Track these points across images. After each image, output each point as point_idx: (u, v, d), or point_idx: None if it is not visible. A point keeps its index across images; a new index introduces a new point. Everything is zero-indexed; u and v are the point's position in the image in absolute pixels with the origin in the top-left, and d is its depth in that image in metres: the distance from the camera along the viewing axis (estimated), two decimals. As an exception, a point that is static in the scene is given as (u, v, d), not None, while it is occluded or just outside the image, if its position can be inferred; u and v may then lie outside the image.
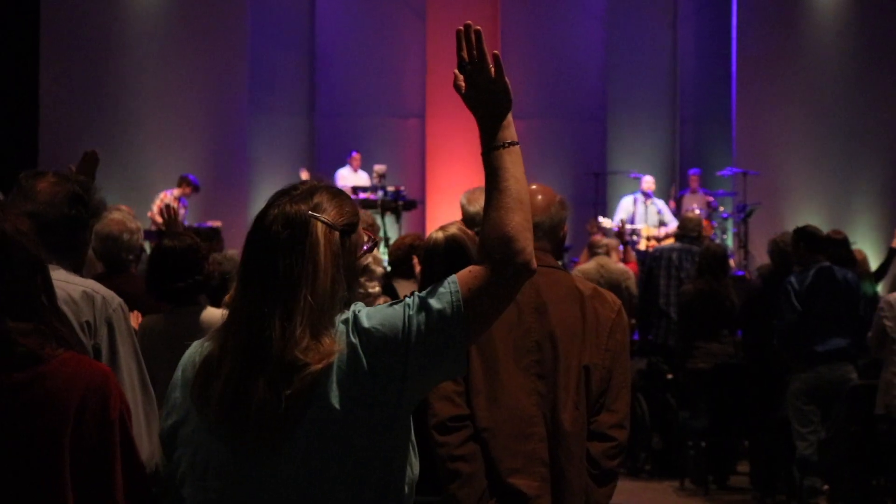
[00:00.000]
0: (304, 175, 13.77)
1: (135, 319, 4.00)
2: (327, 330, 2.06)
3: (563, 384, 3.27)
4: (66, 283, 2.87)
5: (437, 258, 3.73)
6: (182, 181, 13.17)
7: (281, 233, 2.08)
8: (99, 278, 3.85)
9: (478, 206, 5.02)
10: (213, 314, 4.15)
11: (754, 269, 11.50)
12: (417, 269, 5.44)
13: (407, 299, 2.14)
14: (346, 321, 2.11)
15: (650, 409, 8.54)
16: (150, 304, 4.34)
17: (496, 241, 2.16)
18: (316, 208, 2.11)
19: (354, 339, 2.08)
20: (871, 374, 7.23)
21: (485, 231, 2.19)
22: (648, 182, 14.27)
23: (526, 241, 2.16)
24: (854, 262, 8.30)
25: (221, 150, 14.76)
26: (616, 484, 3.35)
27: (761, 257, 11.87)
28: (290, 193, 2.14)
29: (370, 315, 2.12)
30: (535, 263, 2.18)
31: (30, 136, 13.12)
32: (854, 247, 8.90)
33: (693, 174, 14.88)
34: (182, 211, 12.78)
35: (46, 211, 2.96)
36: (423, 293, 2.14)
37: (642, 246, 13.39)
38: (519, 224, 2.16)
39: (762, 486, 7.92)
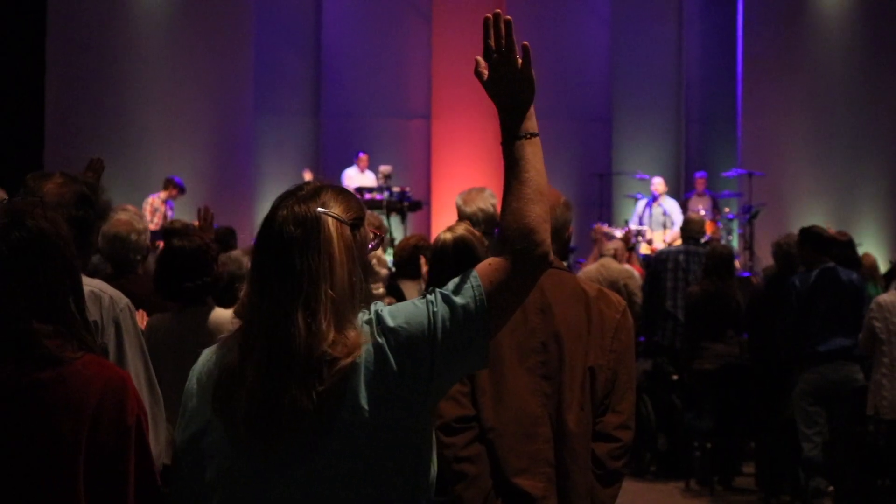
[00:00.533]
0: (308, 176, 13.76)
1: (141, 318, 4.01)
2: (351, 323, 2.05)
3: (569, 385, 3.27)
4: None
5: (446, 259, 3.75)
6: (168, 183, 13.11)
7: (294, 232, 2.06)
8: (106, 279, 3.86)
9: (474, 206, 5.05)
10: (222, 315, 4.15)
11: (760, 271, 11.48)
12: (424, 269, 5.44)
13: (429, 296, 2.14)
14: (369, 321, 2.09)
15: (655, 409, 8.54)
16: (157, 304, 4.34)
17: (516, 231, 2.16)
18: (324, 205, 2.10)
19: (381, 339, 2.07)
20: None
21: (505, 221, 2.18)
22: (655, 184, 14.28)
23: (545, 233, 2.17)
24: (859, 263, 8.28)
25: (227, 151, 14.77)
26: (621, 485, 3.36)
27: (767, 258, 11.85)
28: (296, 194, 2.13)
29: (394, 314, 2.11)
30: (552, 256, 2.19)
31: (35, 137, 13.15)
32: (861, 249, 8.88)
33: (699, 177, 14.87)
34: (169, 213, 12.75)
35: (53, 212, 2.97)
36: (445, 289, 2.14)
37: (644, 249, 13.35)
38: (539, 216, 2.17)
39: (767, 487, 7.91)
